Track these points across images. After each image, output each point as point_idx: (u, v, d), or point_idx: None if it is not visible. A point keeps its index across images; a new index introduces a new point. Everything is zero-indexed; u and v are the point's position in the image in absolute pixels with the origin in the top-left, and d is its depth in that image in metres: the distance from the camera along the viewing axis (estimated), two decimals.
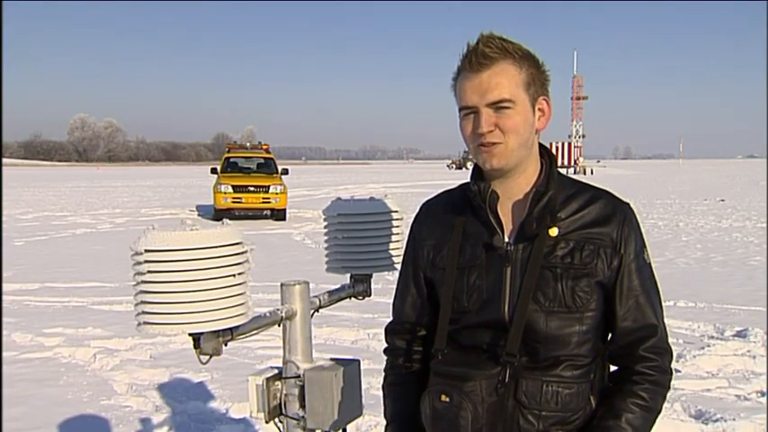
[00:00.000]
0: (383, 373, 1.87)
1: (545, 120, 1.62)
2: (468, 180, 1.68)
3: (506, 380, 1.54)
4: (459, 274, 1.62)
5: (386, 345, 1.86)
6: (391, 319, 1.84)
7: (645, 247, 1.64)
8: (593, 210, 1.60)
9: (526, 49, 1.58)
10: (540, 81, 1.59)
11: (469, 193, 1.64)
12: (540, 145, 1.66)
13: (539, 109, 1.60)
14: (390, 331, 1.84)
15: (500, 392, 1.54)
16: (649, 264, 1.64)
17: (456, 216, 1.68)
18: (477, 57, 1.53)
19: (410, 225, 1.80)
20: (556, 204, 1.59)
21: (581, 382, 1.58)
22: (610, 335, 1.66)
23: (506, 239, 1.60)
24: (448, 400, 1.55)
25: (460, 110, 1.58)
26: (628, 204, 1.65)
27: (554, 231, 1.57)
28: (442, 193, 1.79)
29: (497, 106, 1.53)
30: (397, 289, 1.83)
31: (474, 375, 1.54)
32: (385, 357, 1.87)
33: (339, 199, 2.10)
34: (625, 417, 1.56)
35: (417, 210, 1.80)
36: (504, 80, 1.53)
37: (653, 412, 1.60)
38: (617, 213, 1.61)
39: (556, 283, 1.55)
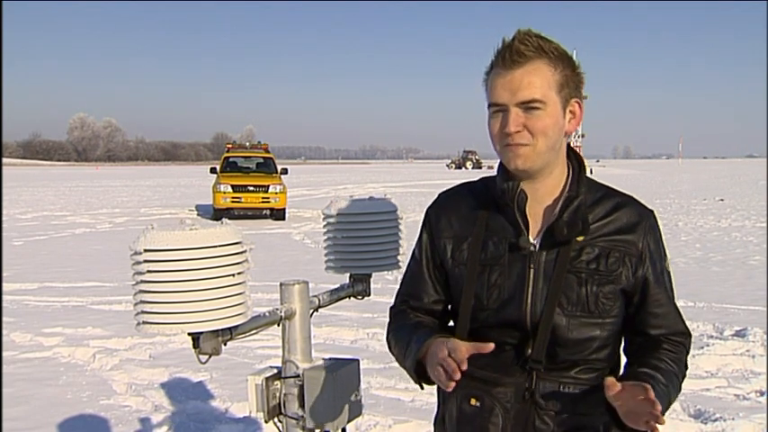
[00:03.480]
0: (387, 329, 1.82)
1: (576, 122, 1.57)
2: (491, 175, 1.65)
3: (533, 387, 1.54)
4: (480, 271, 1.59)
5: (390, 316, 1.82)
6: (395, 301, 1.81)
7: (666, 256, 1.64)
8: (619, 217, 1.59)
9: (563, 49, 1.53)
10: (573, 83, 1.55)
11: (496, 190, 1.60)
12: (568, 147, 1.63)
13: (570, 111, 1.56)
14: (394, 305, 1.81)
15: (526, 399, 1.54)
16: (669, 273, 1.65)
17: (478, 210, 1.64)
18: (512, 54, 1.48)
19: (425, 213, 1.76)
20: (585, 210, 1.56)
21: (597, 384, 1.56)
22: (634, 339, 1.65)
23: (531, 240, 1.58)
24: (478, 404, 1.53)
25: (489, 106, 1.54)
26: (652, 212, 1.64)
27: (581, 236, 1.55)
28: (461, 185, 1.75)
29: (527, 106, 1.49)
30: (405, 275, 1.79)
31: (503, 381, 1.53)
32: (386, 354, 1.84)
33: (339, 198, 2.10)
34: (659, 367, 1.55)
35: (435, 198, 1.76)
36: (537, 80, 1.49)
37: (681, 368, 1.60)
38: (643, 222, 1.59)
39: (580, 287, 1.54)
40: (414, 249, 1.79)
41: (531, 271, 1.56)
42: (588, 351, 1.56)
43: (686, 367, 1.63)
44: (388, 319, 1.85)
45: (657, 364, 1.56)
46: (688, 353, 1.65)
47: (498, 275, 1.58)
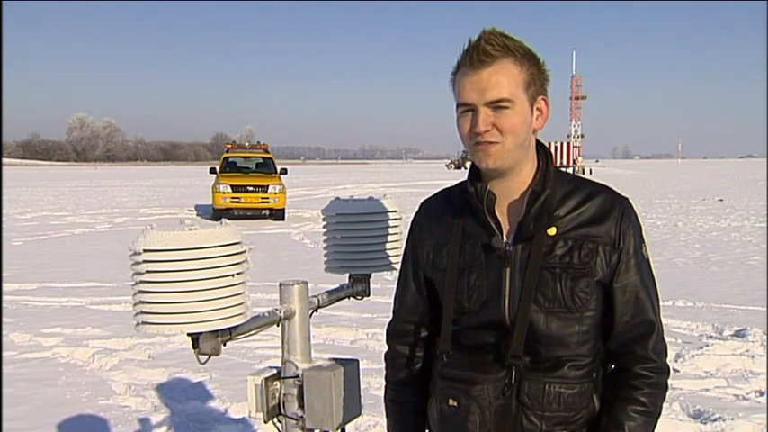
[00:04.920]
0: (384, 381, 1.86)
1: (543, 120, 1.61)
2: (466, 179, 1.67)
3: (512, 382, 1.54)
4: (460, 275, 1.62)
5: (387, 349, 1.85)
6: (391, 318, 1.84)
7: (643, 242, 1.63)
8: (590, 207, 1.59)
9: (527, 47, 1.56)
10: (539, 81, 1.57)
11: (466, 194, 1.63)
12: (537, 142, 1.65)
13: (537, 109, 1.59)
14: (392, 334, 1.83)
15: (506, 395, 1.55)
16: (647, 259, 1.63)
17: (455, 217, 1.67)
18: (479, 54, 1.50)
19: (410, 225, 1.80)
20: (553, 203, 1.58)
21: (583, 381, 1.58)
22: (608, 332, 1.65)
23: (505, 240, 1.60)
24: (455, 404, 1.54)
25: (458, 106, 1.57)
26: (626, 199, 1.63)
27: (552, 230, 1.56)
28: (440, 193, 1.78)
29: (496, 105, 1.51)
30: (397, 289, 1.82)
31: (481, 379, 1.54)
32: (384, 362, 1.86)
33: (338, 199, 2.10)
34: (627, 426, 1.57)
35: (417, 209, 1.79)
36: (505, 79, 1.51)
37: (654, 416, 1.61)
38: (615, 209, 1.59)
39: (555, 283, 1.55)
40: (402, 263, 1.81)
41: (507, 270, 1.58)
42: (570, 347, 1.57)
43: (666, 387, 1.62)
44: (385, 347, 1.86)
45: (622, 415, 1.57)
46: (666, 353, 1.63)
47: (476, 277, 1.61)
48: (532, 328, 1.55)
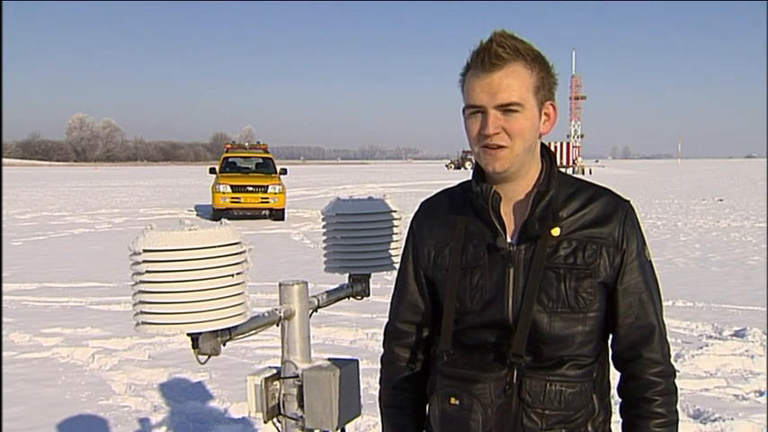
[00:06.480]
0: (379, 386, 1.85)
1: (550, 124, 1.61)
2: (469, 179, 1.67)
3: (514, 381, 1.55)
4: (462, 275, 1.62)
5: (383, 351, 1.84)
6: (389, 319, 1.83)
7: (645, 244, 1.64)
8: (594, 208, 1.60)
9: (537, 50, 1.56)
10: (548, 85, 1.58)
11: (471, 194, 1.63)
12: (541, 144, 1.65)
13: (545, 113, 1.59)
14: (390, 336, 1.82)
15: (508, 393, 1.55)
16: (650, 261, 1.64)
17: (457, 216, 1.67)
18: (490, 56, 1.50)
19: (409, 224, 1.79)
20: (557, 204, 1.59)
21: (584, 381, 1.59)
22: (612, 334, 1.66)
23: (509, 240, 1.60)
24: (458, 402, 1.54)
25: (467, 108, 1.57)
26: (628, 202, 1.65)
27: (556, 231, 1.56)
28: (441, 192, 1.78)
29: (506, 109, 1.52)
30: (395, 288, 1.82)
31: (482, 377, 1.54)
32: (381, 365, 1.85)
33: (338, 199, 2.10)
34: None
35: (417, 208, 1.79)
36: (515, 83, 1.51)
37: (674, 422, 1.63)
38: (618, 211, 1.61)
39: (559, 283, 1.56)
40: (401, 263, 1.80)
41: (511, 270, 1.58)
42: (572, 347, 1.57)
43: (676, 389, 1.64)
44: (383, 340, 1.85)
45: None
46: (670, 354, 1.64)
47: (479, 277, 1.61)
48: (536, 327, 1.55)
